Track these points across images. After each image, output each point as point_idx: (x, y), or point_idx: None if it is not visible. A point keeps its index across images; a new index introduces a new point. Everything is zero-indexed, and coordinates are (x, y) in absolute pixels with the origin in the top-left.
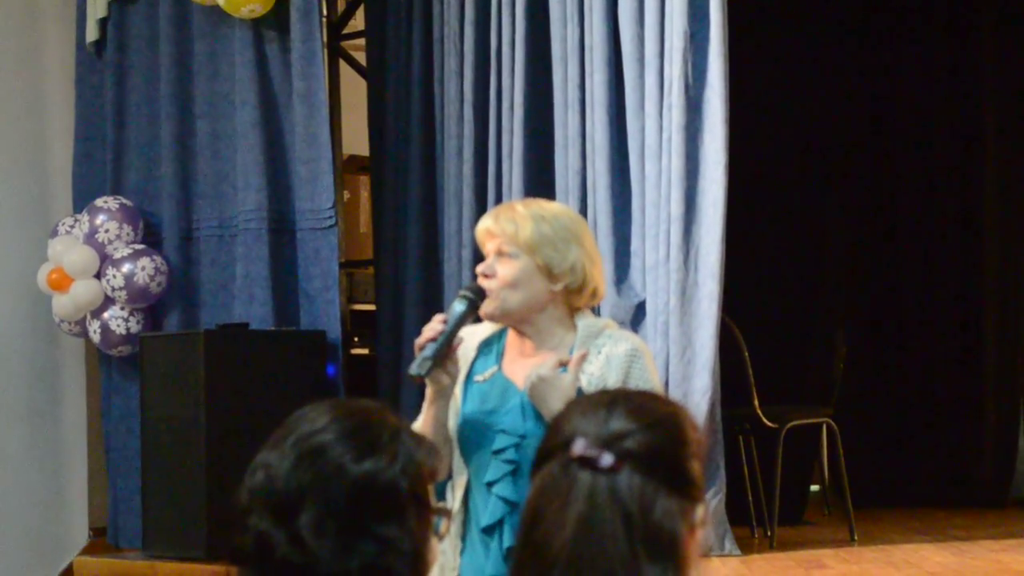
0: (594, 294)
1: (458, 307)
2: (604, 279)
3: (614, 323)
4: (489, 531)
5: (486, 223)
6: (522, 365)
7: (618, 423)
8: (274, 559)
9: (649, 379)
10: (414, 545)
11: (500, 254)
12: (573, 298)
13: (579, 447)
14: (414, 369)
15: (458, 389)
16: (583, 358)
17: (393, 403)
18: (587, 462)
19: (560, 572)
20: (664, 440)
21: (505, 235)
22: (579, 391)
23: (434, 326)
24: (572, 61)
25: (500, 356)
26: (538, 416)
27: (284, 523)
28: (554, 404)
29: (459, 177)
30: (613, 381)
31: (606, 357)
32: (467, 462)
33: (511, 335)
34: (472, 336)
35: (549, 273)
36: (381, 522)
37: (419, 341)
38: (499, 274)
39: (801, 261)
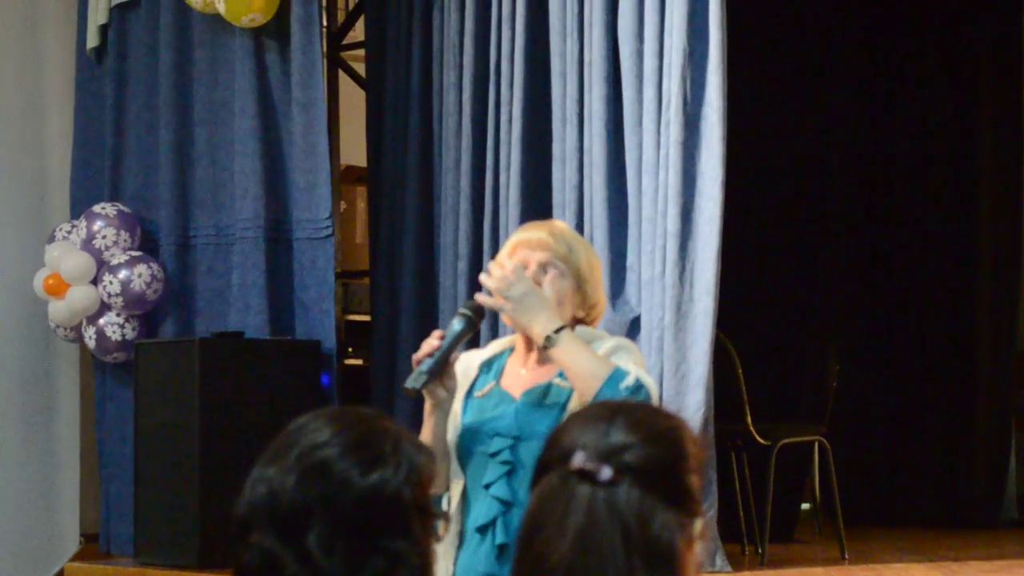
0: (593, 322)
1: (456, 325)
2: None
3: (607, 334)
4: (483, 530)
5: (539, 234)
6: (521, 379)
7: (618, 436)
8: None
9: (633, 364)
10: (422, 557)
11: (545, 266)
12: (581, 317)
13: (578, 460)
14: (409, 383)
15: (458, 404)
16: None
17: (386, 414)
18: (586, 475)
19: None
20: (664, 454)
21: (559, 254)
22: (570, 391)
23: (431, 342)
24: (571, 76)
25: (499, 374)
26: (531, 419)
27: (291, 541)
28: (540, 315)
29: (456, 189)
30: None
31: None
32: (463, 468)
33: (517, 351)
34: (475, 356)
35: (583, 301)
36: (390, 536)
37: (416, 356)
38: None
39: (795, 279)
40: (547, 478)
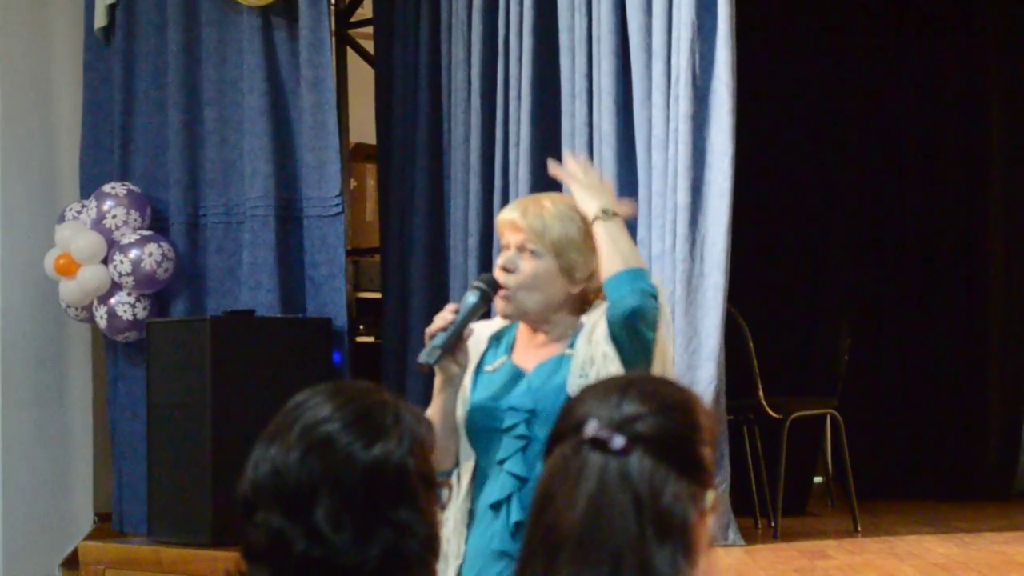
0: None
1: (470, 298)
2: None
3: None
4: (496, 507)
5: (512, 215)
6: (532, 354)
7: (630, 406)
8: (292, 555)
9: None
10: (428, 527)
11: (523, 250)
12: (589, 297)
13: (591, 429)
14: (423, 358)
15: (468, 379)
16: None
17: (398, 390)
18: (598, 444)
19: (569, 552)
20: (676, 424)
21: (532, 231)
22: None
23: (445, 316)
24: (579, 51)
25: (510, 348)
26: (546, 393)
27: (299, 518)
28: (603, 197)
29: (466, 166)
30: (600, 332)
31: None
32: (475, 446)
33: (522, 327)
34: (484, 328)
35: (570, 276)
36: (396, 507)
37: (430, 330)
38: (521, 271)
39: (806, 252)
40: (560, 448)
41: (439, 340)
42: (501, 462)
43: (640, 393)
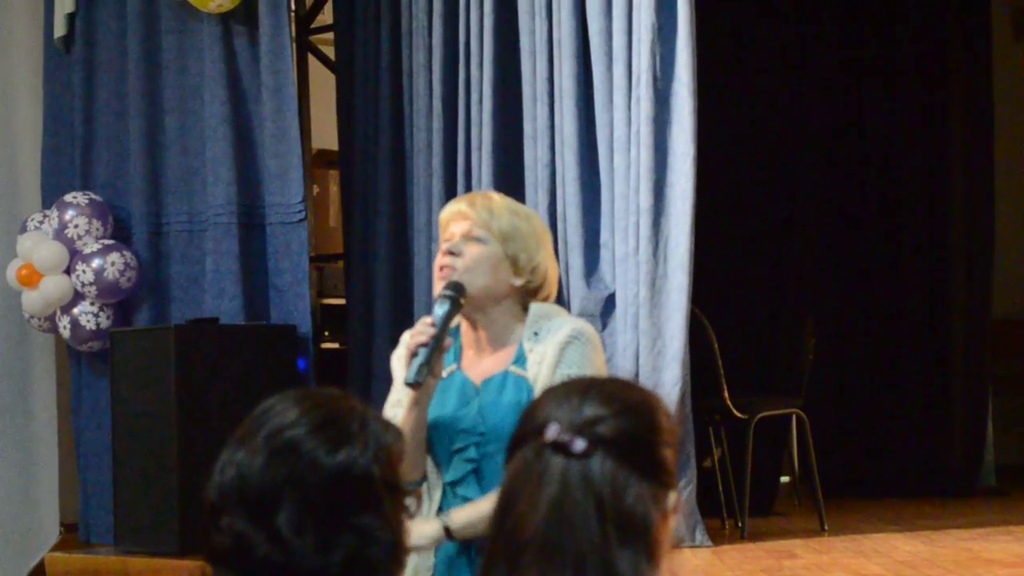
0: (547, 298)
1: (441, 308)
2: (556, 288)
3: (565, 311)
4: None
5: (459, 206)
6: (478, 362)
7: (591, 409)
8: (255, 559)
9: (584, 363)
10: (392, 534)
11: (469, 237)
12: (528, 297)
13: (552, 432)
14: (411, 378)
15: None
16: None
17: (364, 396)
18: (560, 447)
19: (532, 556)
20: (637, 426)
21: (479, 220)
22: (530, 383)
23: (423, 330)
24: (540, 54)
25: (458, 354)
26: (495, 415)
27: (262, 522)
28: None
29: (428, 171)
30: (548, 364)
31: (553, 340)
32: (436, 463)
33: (465, 330)
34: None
35: (515, 265)
36: (359, 513)
37: (410, 347)
38: (466, 254)
39: (769, 252)
40: (521, 452)
41: (423, 356)
42: (452, 484)
43: (601, 395)
